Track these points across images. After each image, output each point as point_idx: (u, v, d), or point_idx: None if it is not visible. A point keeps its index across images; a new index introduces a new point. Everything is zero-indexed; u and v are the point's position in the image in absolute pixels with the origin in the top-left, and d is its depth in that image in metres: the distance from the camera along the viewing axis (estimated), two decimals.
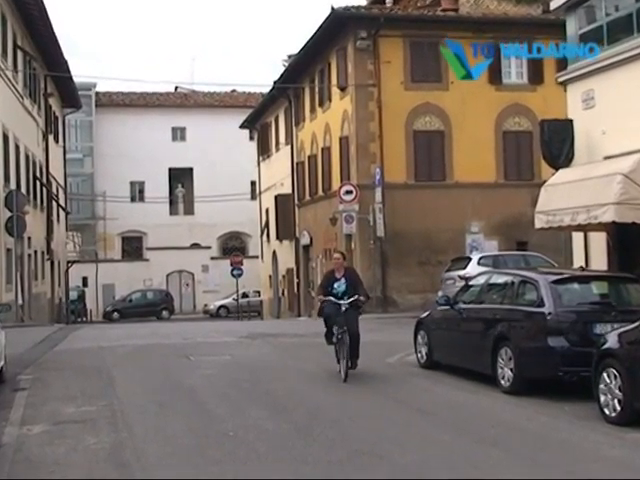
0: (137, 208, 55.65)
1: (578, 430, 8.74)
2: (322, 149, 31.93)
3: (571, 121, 17.12)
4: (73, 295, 44.76)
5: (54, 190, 38.99)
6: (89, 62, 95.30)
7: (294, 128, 36.12)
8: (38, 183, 34.51)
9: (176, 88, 59.31)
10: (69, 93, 41.18)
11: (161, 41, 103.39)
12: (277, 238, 39.34)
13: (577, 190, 14.88)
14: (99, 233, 55.85)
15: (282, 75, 35.50)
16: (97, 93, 56.50)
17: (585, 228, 15.56)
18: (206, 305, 51.28)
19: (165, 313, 48.95)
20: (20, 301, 27.10)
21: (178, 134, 57.35)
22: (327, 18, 27.91)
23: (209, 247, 55.76)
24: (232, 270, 41.20)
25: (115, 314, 48.64)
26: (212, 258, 54.99)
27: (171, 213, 57.52)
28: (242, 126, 46.79)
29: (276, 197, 38.63)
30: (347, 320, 11.92)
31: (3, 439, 8.49)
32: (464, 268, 22.20)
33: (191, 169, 57.05)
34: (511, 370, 10.86)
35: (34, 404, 10.46)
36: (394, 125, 27.57)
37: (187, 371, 13.36)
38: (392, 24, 27.94)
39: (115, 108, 56.25)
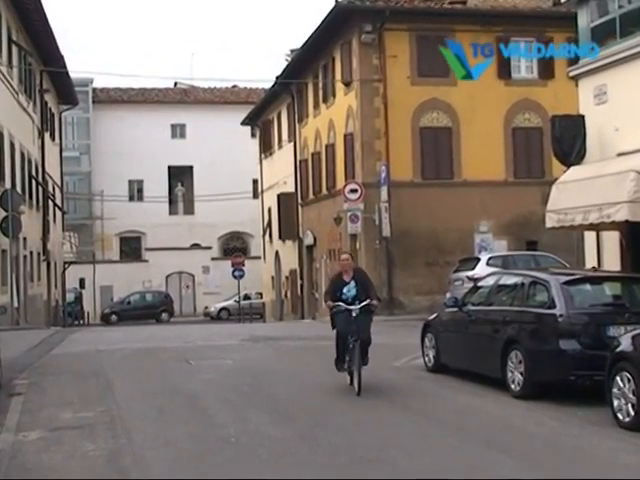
0: (136, 207, 55.67)
1: (591, 436, 8.73)
2: (326, 146, 31.93)
3: (583, 117, 17.10)
4: (70, 297, 44.77)
5: (50, 189, 39.04)
6: (86, 57, 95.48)
7: (297, 125, 36.13)
8: (34, 182, 34.55)
9: (175, 84, 59.31)
10: (65, 89, 41.22)
11: (160, 35, 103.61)
12: (280, 238, 39.34)
13: (589, 188, 14.87)
14: (96, 233, 55.89)
15: (284, 70, 35.50)
16: (94, 89, 56.55)
17: (597, 227, 15.54)
18: (207, 307, 51.27)
19: (165, 316, 48.96)
20: (15, 303, 27.14)
21: (178, 131, 57.37)
22: (331, 11, 27.90)
23: (210, 247, 55.76)
24: (233, 271, 41.18)
25: (113, 317, 48.65)
26: (213, 259, 54.99)
27: (170, 213, 57.53)
28: (243, 123, 46.84)
29: (279, 196, 38.63)
30: (358, 327, 11.36)
31: None
32: (473, 269, 22.21)
33: (191, 167, 57.07)
34: (521, 374, 10.86)
35: (30, 410, 10.48)
36: (400, 121, 27.56)
37: (187, 375, 13.39)
38: (398, 17, 27.92)
39: (113, 104, 56.28)
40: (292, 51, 38.51)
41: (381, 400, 10.86)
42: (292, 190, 36.95)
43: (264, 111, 42.57)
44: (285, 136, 38.88)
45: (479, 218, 27.79)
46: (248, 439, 8.54)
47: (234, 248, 54.50)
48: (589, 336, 10.41)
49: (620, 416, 9.02)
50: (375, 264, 26.94)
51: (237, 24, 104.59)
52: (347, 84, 28.88)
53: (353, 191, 26.96)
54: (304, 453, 7.98)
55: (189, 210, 57.83)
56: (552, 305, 10.76)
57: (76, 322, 43.50)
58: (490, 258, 22.98)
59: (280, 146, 40.28)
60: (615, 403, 9.11)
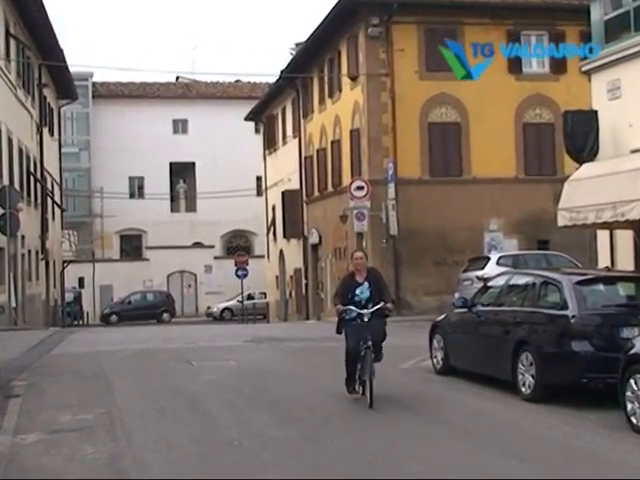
0: (136, 205, 55.72)
1: (604, 440, 8.72)
2: (332, 142, 31.93)
3: (596, 112, 17.08)
4: (69, 297, 44.89)
5: (49, 186, 39.09)
6: (86, 51, 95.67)
7: (302, 120, 36.12)
8: (32, 179, 34.60)
9: (177, 78, 59.40)
10: (65, 83, 41.26)
11: (161, 29, 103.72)
12: (284, 236, 39.35)
13: (602, 185, 14.85)
14: (96, 231, 55.97)
15: (289, 64, 35.51)
16: (94, 83, 56.62)
17: (611, 226, 15.52)
18: (209, 307, 51.33)
19: (166, 316, 49.05)
20: (13, 303, 27.20)
21: (179, 126, 57.42)
22: (337, 4, 27.91)
23: (212, 246, 55.83)
24: (236, 270, 41.21)
25: (113, 317, 48.76)
26: (215, 258, 55.06)
27: (172, 210, 57.60)
28: (247, 118, 46.81)
29: (283, 193, 38.64)
30: (371, 332, 10.56)
31: None
32: (482, 268, 22.21)
33: (193, 164, 57.12)
34: (532, 376, 10.84)
35: (28, 411, 10.50)
36: (408, 117, 27.55)
37: (189, 377, 13.40)
38: (406, 10, 27.87)
39: (113, 99, 56.35)
40: (297, 45, 38.56)
41: (388, 403, 10.84)
42: (297, 187, 36.95)
43: (268, 106, 42.58)
44: (290, 132, 38.88)
45: (489, 216, 27.76)
46: (251, 442, 8.55)
47: (237, 247, 54.57)
48: (602, 338, 10.39)
49: (634, 420, 9.00)
50: (382, 263, 26.88)
51: (240, 17, 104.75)
52: (353, 78, 28.88)
53: (359, 188, 26.95)
54: (309, 456, 7.98)
55: (191, 208, 57.87)
56: (564, 306, 10.75)
57: (75, 322, 43.62)
58: (500, 257, 22.98)
59: (284, 142, 40.29)
60: (629, 406, 9.09)
